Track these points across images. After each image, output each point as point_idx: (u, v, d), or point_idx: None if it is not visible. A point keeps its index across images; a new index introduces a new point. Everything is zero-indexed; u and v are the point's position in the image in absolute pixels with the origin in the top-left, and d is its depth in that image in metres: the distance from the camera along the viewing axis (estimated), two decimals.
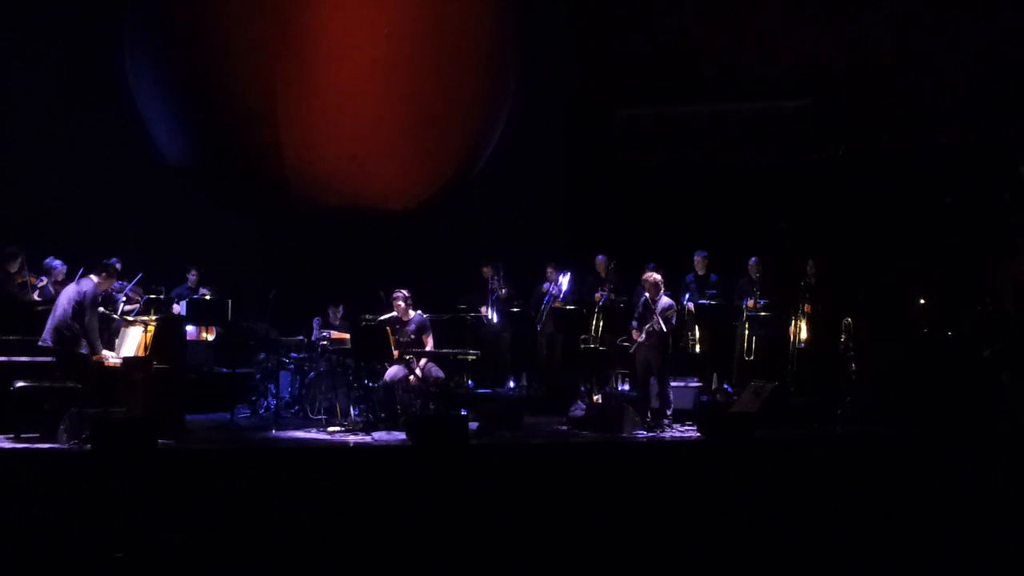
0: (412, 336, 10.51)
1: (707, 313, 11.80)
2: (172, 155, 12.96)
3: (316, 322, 11.37)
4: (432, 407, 10.29)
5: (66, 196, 12.42)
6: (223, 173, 12.77)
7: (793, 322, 11.67)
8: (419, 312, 10.71)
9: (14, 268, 10.05)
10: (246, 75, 12.00)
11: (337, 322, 11.49)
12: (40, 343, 9.05)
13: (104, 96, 12.81)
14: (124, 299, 10.19)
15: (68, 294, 9.06)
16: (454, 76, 12.67)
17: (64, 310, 8.99)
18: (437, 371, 10.49)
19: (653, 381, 10.48)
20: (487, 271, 12.33)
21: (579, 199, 14.31)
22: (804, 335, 11.60)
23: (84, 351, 9.03)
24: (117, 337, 9.51)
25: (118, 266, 9.69)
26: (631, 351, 10.53)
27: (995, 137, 12.93)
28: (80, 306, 8.94)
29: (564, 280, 12.18)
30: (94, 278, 9.17)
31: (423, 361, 10.44)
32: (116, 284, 9.69)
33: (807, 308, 11.64)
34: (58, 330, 8.98)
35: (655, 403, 10.44)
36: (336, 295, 11.68)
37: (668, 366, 10.53)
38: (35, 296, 10.10)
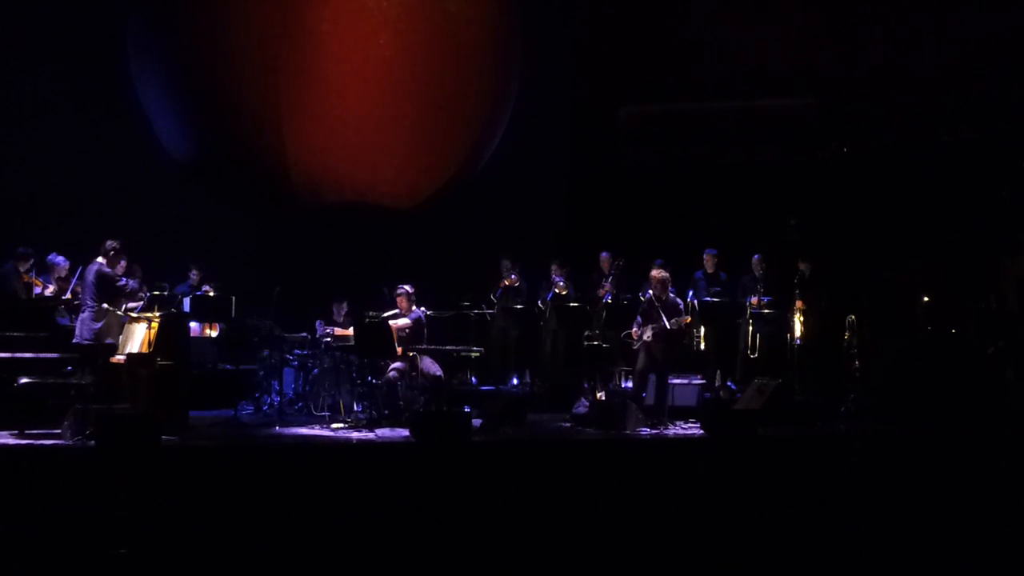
0: (406, 332, 10.49)
1: (711, 310, 11.78)
2: (175, 151, 12.97)
3: (319, 324, 11.33)
4: (435, 404, 10.28)
5: (68, 193, 12.42)
6: (226, 169, 12.78)
7: (790, 319, 11.68)
8: (418, 309, 10.69)
9: (24, 268, 10.20)
10: (250, 71, 11.98)
11: (341, 319, 11.48)
12: (73, 341, 9.33)
13: (107, 92, 12.81)
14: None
15: (87, 289, 9.35)
16: (458, 73, 12.66)
17: (84, 302, 9.35)
18: (436, 369, 10.47)
19: (652, 378, 10.46)
20: (507, 264, 12.38)
21: (582, 197, 14.28)
22: (798, 332, 11.61)
23: (109, 341, 9.24)
24: (122, 333, 9.54)
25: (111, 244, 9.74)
26: (635, 347, 10.50)
27: (999, 134, 12.91)
28: (99, 283, 9.27)
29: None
30: (101, 259, 9.45)
31: (423, 357, 10.43)
32: (124, 281, 9.70)
33: (799, 304, 11.66)
34: (82, 323, 9.29)
35: (649, 400, 10.41)
36: (340, 292, 11.67)
37: (672, 365, 10.51)
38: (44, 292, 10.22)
